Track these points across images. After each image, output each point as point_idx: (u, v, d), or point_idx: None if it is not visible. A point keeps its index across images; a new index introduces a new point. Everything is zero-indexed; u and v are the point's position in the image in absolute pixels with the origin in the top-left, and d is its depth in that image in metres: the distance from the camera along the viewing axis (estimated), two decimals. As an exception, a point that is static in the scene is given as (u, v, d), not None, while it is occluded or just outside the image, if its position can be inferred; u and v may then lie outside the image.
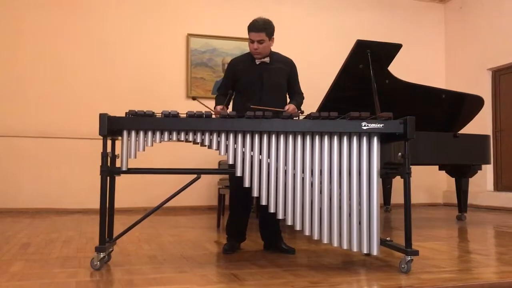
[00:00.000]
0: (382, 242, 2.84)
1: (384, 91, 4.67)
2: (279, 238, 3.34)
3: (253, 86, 3.27)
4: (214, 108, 3.26)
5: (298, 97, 3.47)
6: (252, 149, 2.69)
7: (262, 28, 3.20)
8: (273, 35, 3.28)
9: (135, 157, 2.65)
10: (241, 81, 3.30)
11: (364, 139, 2.70)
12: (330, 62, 6.30)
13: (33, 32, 6.53)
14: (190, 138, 2.68)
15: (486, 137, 5.31)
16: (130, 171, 2.74)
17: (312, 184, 2.68)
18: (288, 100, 3.47)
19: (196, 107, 3.09)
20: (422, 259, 2.97)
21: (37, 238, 3.87)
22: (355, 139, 2.70)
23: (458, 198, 5.46)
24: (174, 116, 2.67)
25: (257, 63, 3.30)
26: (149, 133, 2.66)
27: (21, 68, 6.45)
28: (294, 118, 2.76)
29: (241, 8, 7.28)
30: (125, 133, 2.66)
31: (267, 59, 3.32)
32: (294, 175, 2.68)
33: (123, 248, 3.38)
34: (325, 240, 2.66)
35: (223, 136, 2.68)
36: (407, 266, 2.61)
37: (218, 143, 2.69)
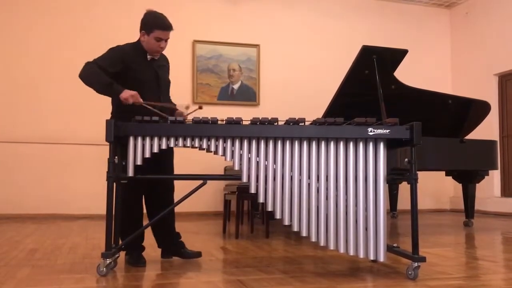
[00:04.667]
0: (389, 249, 2.83)
1: (390, 96, 4.66)
2: (179, 244, 3.18)
3: (152, 84, 3.09)
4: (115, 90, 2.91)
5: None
6: (258, 155, 2.69)
7: (172, 27, 3.11)
8: None
9: (142, 163, 2.66)
10: (137, 78, 3.01)
11: (370, 145, 2.69)
12: (336, 68, 6.31)
13: (38, 38, 6.58)
14: (196, 144, 2.68)
15: (493, 142, 5.28)
16: (136, 177, 2.74)
17: (318, 190, 2.68)
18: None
19: (201, 113, 3.05)
20: (429, 265, 2.95)
21: (44, 244, 3.88)
22: (361, 145, 2.69)
23: (465, 204, 5.43)
24: (180, 122, 2.68)
25: (148, 59, 3.13)
26: (155, 139, 2.66)
27: (27, 74, 6.50)
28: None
29: (246, 15, 7.31)
30: (131, 139, 2.66)
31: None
32: (300, 181, 2.68)
33: (129, 254, 3.38)
34: (332, 246, 2.65)
35: (229, 142, 2.69)
36: (414, 273, 2.59)
37: (224, 149, 2.69)
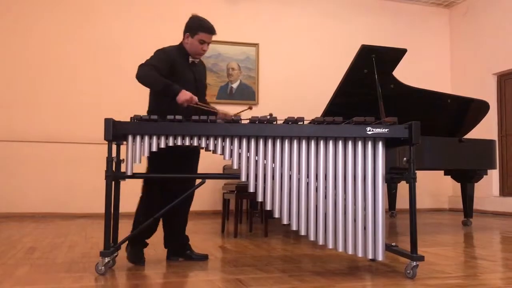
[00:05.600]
0: (388, 248, 2.83)
1: (389, 96, 4.66)
2: (186, 246, 3.20)
3: (191, 86, 3.11)
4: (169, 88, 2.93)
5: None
6: (257, 154, 2.69)
7: (215, 31, 3.20)
8: None
9: (140, 162, 2.66)
10: (179, 80, 3.04)
11: (369, 144, 2.69)
12: (335, 66, 6.31)
13: (39, 38, 6.57)
14: (195, 143, 2.68)
15: (491, 142, 5.29)
16: (135, 175, 2.75)
17: (317, 189, 2.68)
18: None
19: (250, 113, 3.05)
20: (428, 264, 2.96)
21: (43, 243, 3.88)
22: (360, 144, 2.70)
23: (463, 203, 5.44)
24: (179, 121, 2.67)
25: (190, 61, 3.21)
26: (154, 138, 2.66)
27: (27, 73, 6.50)
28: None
29: (245, 14, 7.30)
30: (130, 138, 2.66)
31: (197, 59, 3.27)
32: (299, 180, 2.68)
33: (128, 253, 3.38)
34: (330, 245, 2.65)
35: (227, 141, 2.69)
36: (413, 272, 2.60)
37: (223, 148, 2.69)
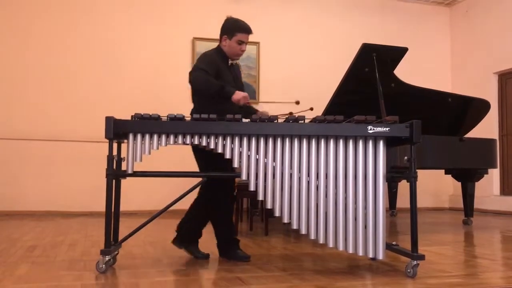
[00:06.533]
0: (388, 247, 2.83)
1: (390, 94, 4.66)
2: (194, 239, 3.24)
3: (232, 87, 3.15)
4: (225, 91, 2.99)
5: None
6: (257, 152, 2.69)
7: (252, 31, 3.24)
8: None
9: (141, 160, 2.66)
10: (223, 82, 3.09)
11: (370, 143, 2.69)
12: (336, 65, 6.30)
13: (39, 36, 6.57)
14: (196, 141, 2.68)
15: (492, 141, 5.28)
16: (136, 174, 2.74)
17: (317, 188, 2.68)
18: None
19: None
20: (428, 263, 2.96)
21: (43, 241, 3.88)
22: (361, 143, 2.69)
23: (464, 203, 5.44)
24: (180, 119, 2.67)
25: (229, 64, 3.27)
26: (155, 136, 2.66)
27: (27, 71, 6.50)
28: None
29: (246, 12, 7.28)
30: (131, 136, 2.66)
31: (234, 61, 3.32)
32: (299, 179, 2.68)
33: (128, 251, 3.39)
34: (331, 244, 2.65)
35: (228, 140, 2.68)
36: (413, 271, 2.60)
37: (224, 146, 2.69)
